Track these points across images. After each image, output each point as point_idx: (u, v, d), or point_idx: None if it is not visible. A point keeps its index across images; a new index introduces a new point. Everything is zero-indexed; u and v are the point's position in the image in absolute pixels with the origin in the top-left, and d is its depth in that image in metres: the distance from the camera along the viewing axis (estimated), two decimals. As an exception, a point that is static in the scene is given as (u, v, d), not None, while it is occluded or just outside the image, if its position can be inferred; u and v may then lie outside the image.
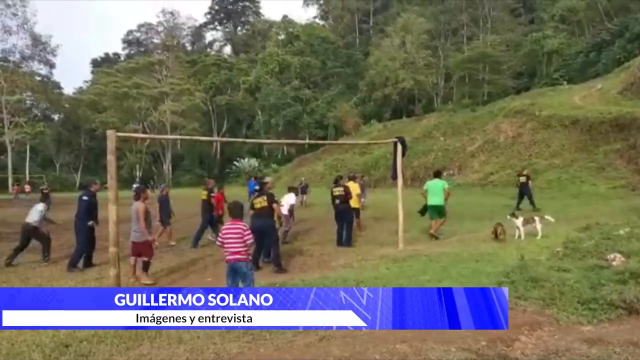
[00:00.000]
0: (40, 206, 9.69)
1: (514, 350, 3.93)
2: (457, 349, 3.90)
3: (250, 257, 5.65)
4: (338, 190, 10.53)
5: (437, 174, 11.50)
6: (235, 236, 5.40)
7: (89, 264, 8.90)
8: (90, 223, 8.95)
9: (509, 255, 7.38)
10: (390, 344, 4.04)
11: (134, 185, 36.11)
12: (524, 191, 16.18)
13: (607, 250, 6.61)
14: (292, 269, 8.23)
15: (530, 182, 16.66)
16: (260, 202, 8.20)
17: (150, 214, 7.76)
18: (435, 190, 10.58)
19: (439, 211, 10.61)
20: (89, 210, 8.98)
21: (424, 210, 10.94)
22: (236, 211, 5.68)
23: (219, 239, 5.57)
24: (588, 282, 5.26)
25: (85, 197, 9.04)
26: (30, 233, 9.48)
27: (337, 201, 10.45)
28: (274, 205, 8.33)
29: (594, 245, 7.06)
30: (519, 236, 9.32)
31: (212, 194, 11.51)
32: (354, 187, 11.36)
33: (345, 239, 10.29)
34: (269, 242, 8.19)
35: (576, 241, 7.65)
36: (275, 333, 4.43)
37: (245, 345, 4.22)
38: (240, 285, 5.42)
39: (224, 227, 5.65)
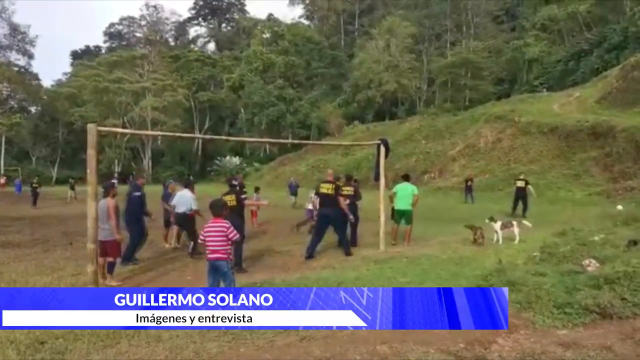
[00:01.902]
0: (187, 193, 9.68)
1: (491, 353, 4.00)
2: (436, 351, 3.95)
3: (231, 257, 5.61)
4: (347, 190, 10.36)
5: (406, 178, 11.01)
6: (217, 234, 5.36)
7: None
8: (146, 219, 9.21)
9: (487, 258, 7.49)
10: (370, 345, 4.07)
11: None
12: (519, 195, 16.09)
13: (583, 255, 6.75)
14: (273, 269, 8.22)
15: (529, 187, 16.38)
16: (230, 200, 8.19)
17: (119, 211, 7.55)
18: (404, 195, 10.26)
19: (406, 216, 10.31)
20: (141, 205, 9.18)
21: (392, 214, 10.49)
22: (217, 209, 5.62)
23: (201, 237, 5.54)
24: (564, 287, 5.37)
25: (136, 193, 9.21)
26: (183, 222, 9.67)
27: (347, 201, 10.17)
28: (245, 202, 8.44)
29: (569, 251, 7.21)
30: (497, 240, 9.48)
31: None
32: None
33: (350, 239, 10.04)
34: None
35: (552, 246, 7.80)
36: (255, 333, 4.41)
37: (225, 344, 4.19)
38: (222, 284, 5.39)
39: (205, 225, 5.58)
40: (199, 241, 5.66)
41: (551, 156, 24.77)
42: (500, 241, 9.43)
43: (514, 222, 9.75)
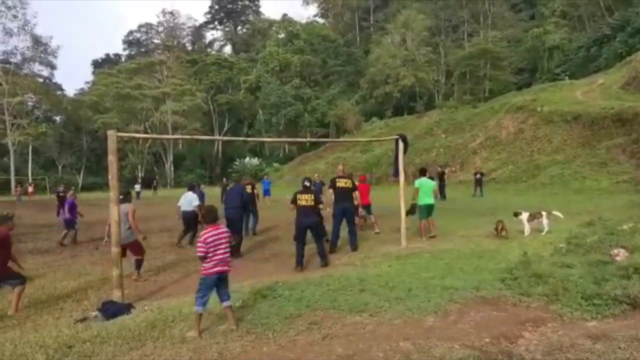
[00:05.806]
0: (190, 194, 11.33)
1: (518, 347, 3.91)
2: (460, 346, 3.88)
3: None
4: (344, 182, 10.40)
5: (424, 172, 11.00)
6: (225, 243, 4.83)
7: (238, 253, 9.37)
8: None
9: (511, 251, 7.36)
10: (393, 342, 4.03)
11: (136, 186, 36.41)
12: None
13: (611, 245, 6.57)
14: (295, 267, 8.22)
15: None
16: (307, 199, 8.26)
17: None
18: (428, 190, 10.41)
19: (431, 210, 10.45)
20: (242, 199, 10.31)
21: (413, 210, 10.34)
22: (213, 216, 4.94)
23: (203, 248, 4.66)
24: (592, 278, 5.23)
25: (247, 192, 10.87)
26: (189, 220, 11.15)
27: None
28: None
29: (597, 241, 7.03)
30: (525, 232, 9.29)
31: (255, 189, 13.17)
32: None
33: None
34: (318, 238, 8.43)
35: (579, 237, 7.62)
36: (278, 332, 4.42)
37: (248, 344, 4.21)
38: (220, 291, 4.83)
39: (207, 233, 4.73)
40: (200, 254, 4.69)
41: (575, 145, 24.20)
42: (528, 233, 9.25)
43: (543, 213, 9.50)
